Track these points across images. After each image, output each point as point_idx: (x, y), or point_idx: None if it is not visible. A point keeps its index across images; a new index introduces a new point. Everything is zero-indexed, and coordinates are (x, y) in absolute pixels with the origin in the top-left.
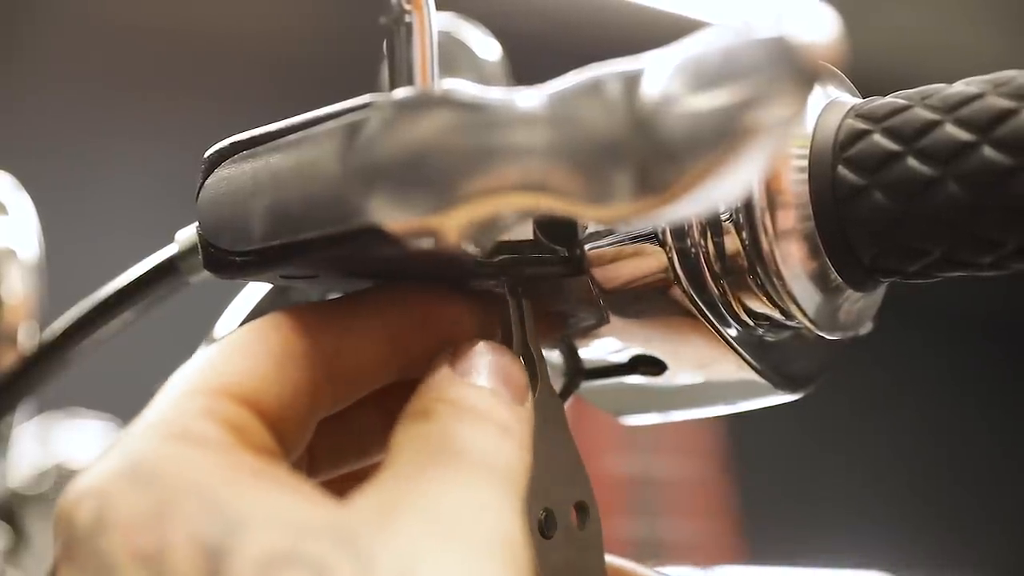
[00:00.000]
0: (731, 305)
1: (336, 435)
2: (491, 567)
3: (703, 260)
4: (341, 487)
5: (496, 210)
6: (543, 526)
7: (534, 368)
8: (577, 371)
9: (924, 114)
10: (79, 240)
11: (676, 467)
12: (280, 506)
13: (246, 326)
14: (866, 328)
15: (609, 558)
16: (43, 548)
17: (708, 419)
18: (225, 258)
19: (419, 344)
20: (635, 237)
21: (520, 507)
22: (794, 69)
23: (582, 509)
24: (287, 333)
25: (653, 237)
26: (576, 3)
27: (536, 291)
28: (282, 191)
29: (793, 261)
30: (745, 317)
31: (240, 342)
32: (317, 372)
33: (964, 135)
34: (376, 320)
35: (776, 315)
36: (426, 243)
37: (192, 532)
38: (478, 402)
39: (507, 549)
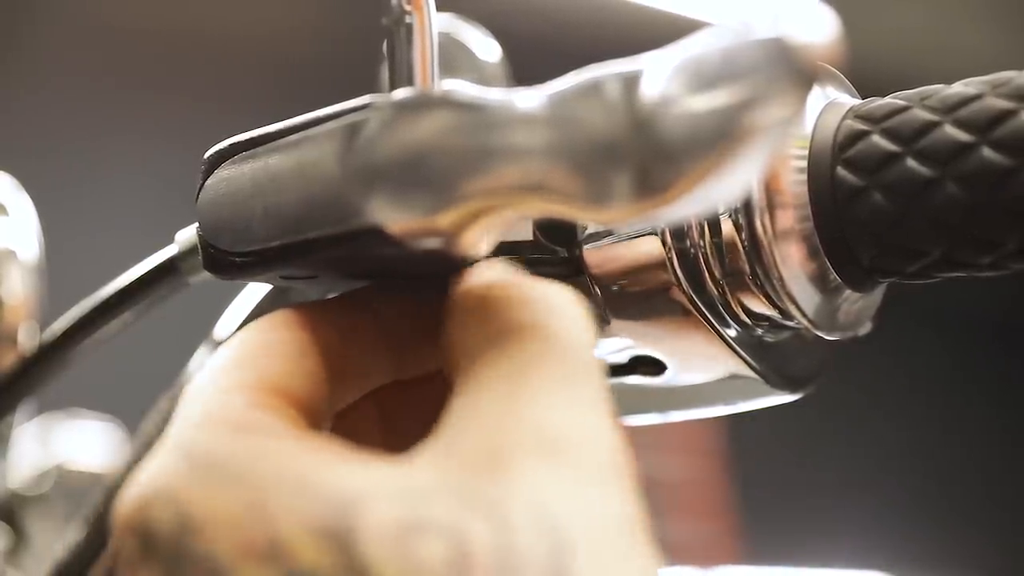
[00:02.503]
0: (730, 305)
1: (335, 435)
2: (618, 494)
3: (702, 261)
4: None
5: (495, 211)
6: None
7: None
8: None
9: (923, 115)
10: (79, 241)
11: (676, 467)
12: (380, 476)
13: (256, 324)
14: (865, 328)
15: None
16: (43, 548)
17: (708, 419)
18: (225, 259)
19: (416, 344)
20: (634, 237)
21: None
22: (793, 70)
23: None
24: (298, 332)
25: (652, 237)
26: (576, 4)
27: None
28: (282, 192)
29: (792, 262)
30: (744, 317)
31: (257, 340)
32: (329, 370)
33: (963, 136)
34: (376, 319)
35: (775, 315)
36: (425, 243)
37: (303, 519)
38: (541, 285)
39: (623, 467)
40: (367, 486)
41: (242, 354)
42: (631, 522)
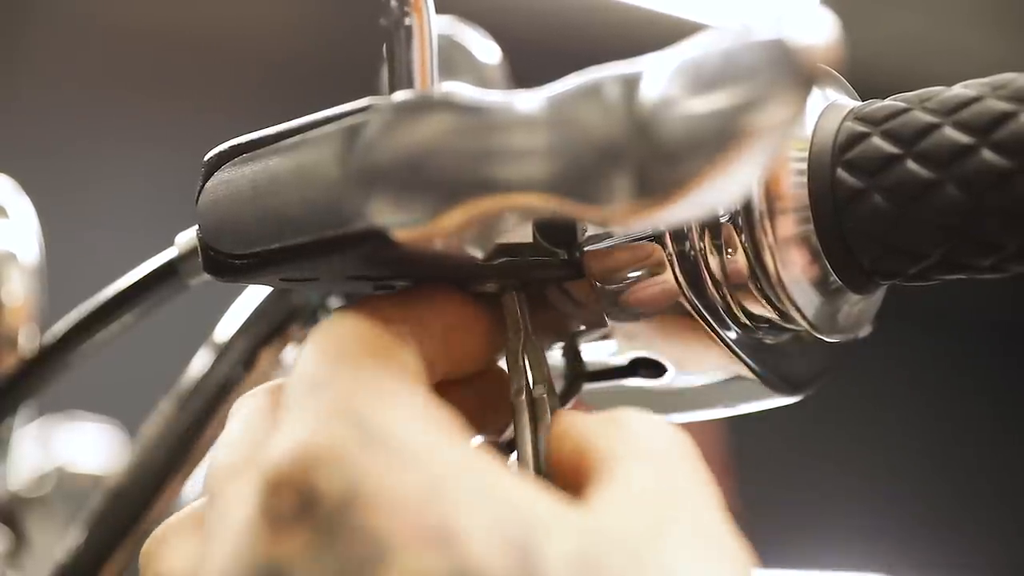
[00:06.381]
0: (730, 308)
1: None
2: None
3: (702, 263)
4: None
5: (495, 212)
6: None
7: (540, 368)
8: (578, 374)
9: (923, 117)
10: (79, 243)
11: None
12: (564, 509)
13: (342, 318)
14: (865, 330)
15: None
16: (43, 551)
17: (709, 421)
18: (225, 261)
19: (466, 343)
20: (635, 240)
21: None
22: (793, 72)
23: None
24: (388, 322)
25: (652, 240)
26: (576, 6)
27: (536, 293)
28: (282, 194)
29: (793, 265)
30: (744, 319)
31: (358, 333)
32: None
33: (963, 138)
34: (438, 317)
35: (775, 318)
36: (425, 245)
37: (486, 520)
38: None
39: (749, 569)
40: (554, 513)
41: (358, 336)
42: None
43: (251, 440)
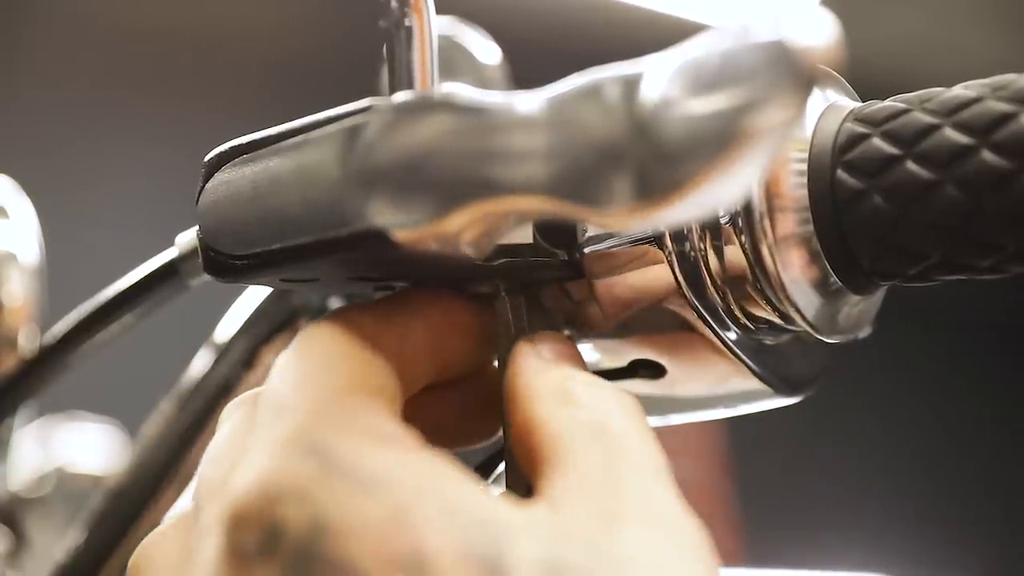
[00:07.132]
0: (730, 309)
1: None
2: (707, 560)
3: (702, 264)
4: None
5: (495, 214)
6: None
7: None
8: None
9: (923, 118)
10: (80, 243)
11: (676, 470)
12: (522, 513)
13: (320, 328)
14: (865, 331)
15: None
16: (43, 551)
17: (708, 422)
18: (225, 262)
19: (455, 347)
20: (635, 241)
21: None
22: (792, 72)
23: None
24: (363, 337)
25: (653, 241)
26: (576, 6)
27: (536, 294)
28: (282, 195)
29: (793, 266)
30: (744, 321)
31: (334, 344)
32: (396, 376)
33: (963, 139)
34: (423, 323)
35: (775, 319)
36: (425, 246)
37: (451, 538)
38: (607, 393)
39: (705, 542)
40: (514, 520)
41: (329, 356)
42: None
43: (231, 454)
